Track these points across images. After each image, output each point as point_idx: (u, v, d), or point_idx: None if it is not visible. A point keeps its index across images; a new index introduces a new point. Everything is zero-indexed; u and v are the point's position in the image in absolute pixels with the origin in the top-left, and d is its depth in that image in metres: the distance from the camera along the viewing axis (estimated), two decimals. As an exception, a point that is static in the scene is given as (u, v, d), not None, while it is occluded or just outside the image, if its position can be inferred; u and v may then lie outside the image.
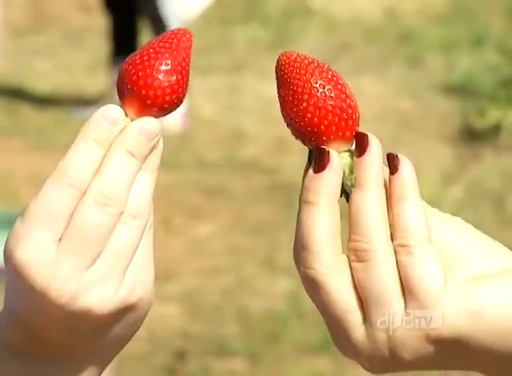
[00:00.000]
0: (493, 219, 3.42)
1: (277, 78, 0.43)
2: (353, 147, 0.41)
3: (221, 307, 2.97)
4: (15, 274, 0.40)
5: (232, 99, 4.22)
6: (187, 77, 0.41)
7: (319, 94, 0.42)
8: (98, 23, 4.23)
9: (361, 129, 0.42)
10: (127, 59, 0.41)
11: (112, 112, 0.41)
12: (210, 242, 3.33)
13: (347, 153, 0.42)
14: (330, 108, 0.42)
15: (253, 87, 4.09)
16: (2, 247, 0.42)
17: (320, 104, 0.42)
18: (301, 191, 0.42)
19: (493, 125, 3.92)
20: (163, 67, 0.40)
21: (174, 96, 0.41)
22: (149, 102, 0.40)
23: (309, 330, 2.84)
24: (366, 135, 0.41)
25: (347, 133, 0.42)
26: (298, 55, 0.43)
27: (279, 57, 0.43)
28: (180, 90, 0.41)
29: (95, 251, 0.40)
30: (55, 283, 0.39)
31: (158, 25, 3.78)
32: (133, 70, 0.40)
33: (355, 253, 0.42)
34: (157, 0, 3.77)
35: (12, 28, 5.21)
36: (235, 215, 3.40)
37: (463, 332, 0.42)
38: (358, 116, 0.42)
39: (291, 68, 0.43)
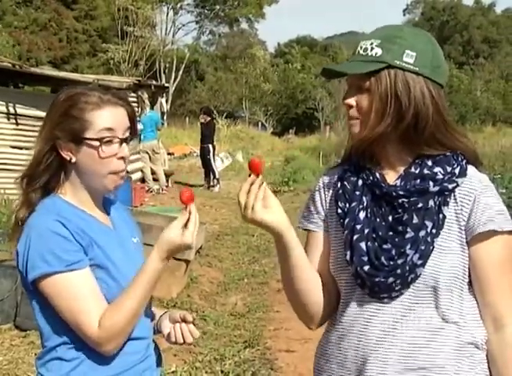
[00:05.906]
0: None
1: (248, 165, 1.30)
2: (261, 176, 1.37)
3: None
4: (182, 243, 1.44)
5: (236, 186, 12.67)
6: (193, 195, 1.46)
7: (259, 166, 1.32)
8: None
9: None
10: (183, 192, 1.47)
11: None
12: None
13: (259, 178, 1.35)
14: (262, 166, 1.34)
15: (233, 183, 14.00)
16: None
17: (259, 167, 1.33)
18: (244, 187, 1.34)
19: (276, 191, 12.72)
20: (188, 193, 1.45)
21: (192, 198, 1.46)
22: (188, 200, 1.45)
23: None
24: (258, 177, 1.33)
25: (259, 173, 1.33)
26: (256, 157, 1.36)
27: (250, 159, 1.34)
28: (193, 197, 1.46)
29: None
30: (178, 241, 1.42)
31: (213, 172, 13.36)
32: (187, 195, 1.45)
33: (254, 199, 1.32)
34: (213, 167, 13.30)
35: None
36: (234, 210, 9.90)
37: (267, 222, 1.34)
38: (263, 168, 1.36)
39: (255, 160, 1.33)
